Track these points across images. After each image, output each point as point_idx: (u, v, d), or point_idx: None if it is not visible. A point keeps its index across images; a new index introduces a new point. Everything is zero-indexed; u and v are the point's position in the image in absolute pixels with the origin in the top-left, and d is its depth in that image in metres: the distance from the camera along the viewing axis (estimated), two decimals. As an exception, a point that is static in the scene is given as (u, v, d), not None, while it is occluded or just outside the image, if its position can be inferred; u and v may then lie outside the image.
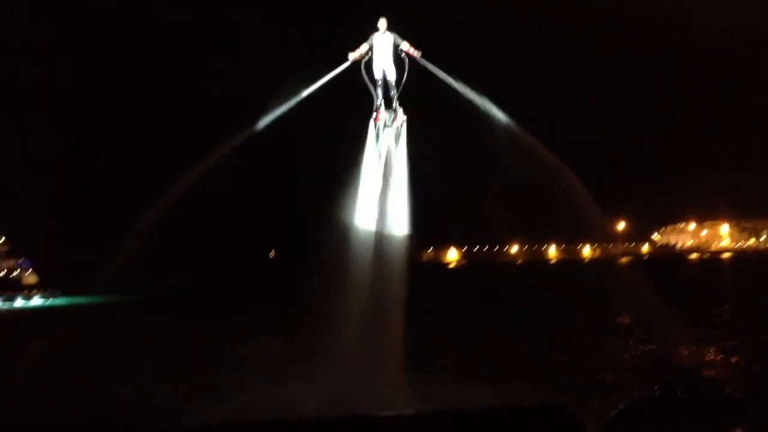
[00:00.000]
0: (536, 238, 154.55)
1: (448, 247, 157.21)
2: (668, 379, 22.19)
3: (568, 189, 14.64)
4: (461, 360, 26.38)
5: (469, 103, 14.10)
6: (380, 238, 13.32)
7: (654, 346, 28.17)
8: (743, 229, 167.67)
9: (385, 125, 14.00)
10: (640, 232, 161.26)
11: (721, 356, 26.49)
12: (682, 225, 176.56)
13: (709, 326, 34.22)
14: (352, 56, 14.16)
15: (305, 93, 14.37)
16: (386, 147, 13.73)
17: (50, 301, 65.42)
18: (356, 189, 13.79)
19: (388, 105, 14.13)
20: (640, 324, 31.48)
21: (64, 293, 65.97)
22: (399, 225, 13.46)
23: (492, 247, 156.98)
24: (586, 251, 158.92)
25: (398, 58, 13.95)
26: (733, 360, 25.78)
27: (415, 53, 13.98)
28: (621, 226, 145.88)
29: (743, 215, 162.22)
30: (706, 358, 26.25)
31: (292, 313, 26.63)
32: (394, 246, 13.45)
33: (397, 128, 13.87)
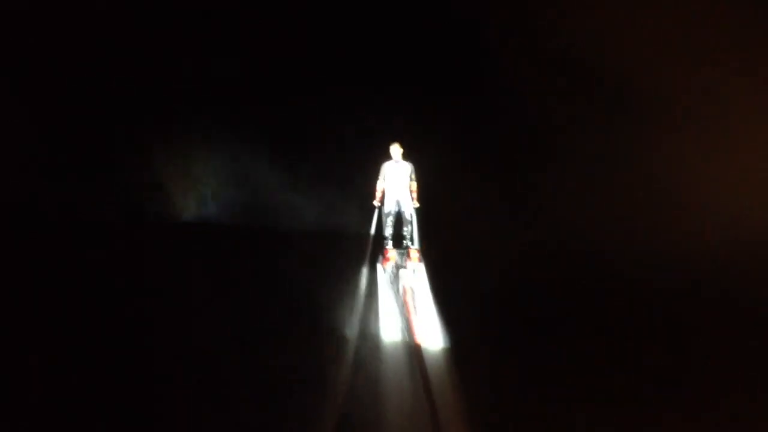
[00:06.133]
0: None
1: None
2: None
3: None
4: None
5: None
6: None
7: None
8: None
9: (397, 266, 12.17)
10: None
11: None
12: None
13: None
14: (377, 202, 12.24)
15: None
16: (406, 291, 11.47)
17: None
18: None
19: (397, 243, 12.77)
20: None
21: None
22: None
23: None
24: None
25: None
26: None
27: (415, 200, 12.67)
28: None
29: None
30: None
31: None
32: None
33: (413, 271, 12.00)
